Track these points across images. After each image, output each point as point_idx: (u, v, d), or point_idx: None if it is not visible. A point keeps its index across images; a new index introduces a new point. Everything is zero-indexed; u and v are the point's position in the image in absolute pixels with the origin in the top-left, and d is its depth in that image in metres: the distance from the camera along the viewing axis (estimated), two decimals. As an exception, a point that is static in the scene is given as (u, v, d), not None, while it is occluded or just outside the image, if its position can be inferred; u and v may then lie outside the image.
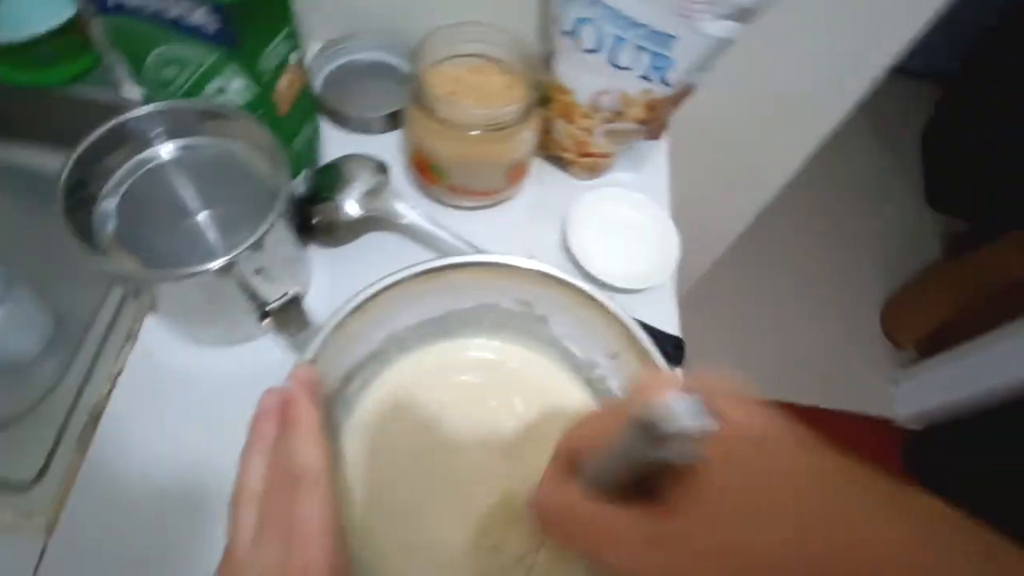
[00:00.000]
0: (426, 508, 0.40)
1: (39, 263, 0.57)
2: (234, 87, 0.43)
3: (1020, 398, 1.23)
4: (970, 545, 0.20)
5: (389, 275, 0.39)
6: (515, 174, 0.56)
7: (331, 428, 0.40)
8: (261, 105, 0.44)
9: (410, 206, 0.52)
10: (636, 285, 0.54)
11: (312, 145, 0.55)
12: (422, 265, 0.40)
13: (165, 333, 0.49)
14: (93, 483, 0.44)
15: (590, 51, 0.49)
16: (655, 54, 0.47)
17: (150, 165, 0.44)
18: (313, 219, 0.51)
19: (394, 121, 0.61)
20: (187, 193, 0.48)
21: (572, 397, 0.45)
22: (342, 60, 0.65)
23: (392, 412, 0.43)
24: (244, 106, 0.45)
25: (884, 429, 1.52)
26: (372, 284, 0.39)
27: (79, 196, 0.41)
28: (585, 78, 0.52)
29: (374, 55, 0.66)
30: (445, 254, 0.49)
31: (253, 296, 0.43)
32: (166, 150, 0.45)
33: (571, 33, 0.50)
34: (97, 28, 0.42)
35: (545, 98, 0.55)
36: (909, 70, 0.67)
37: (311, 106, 0.53)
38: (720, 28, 0.44)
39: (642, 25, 0.46)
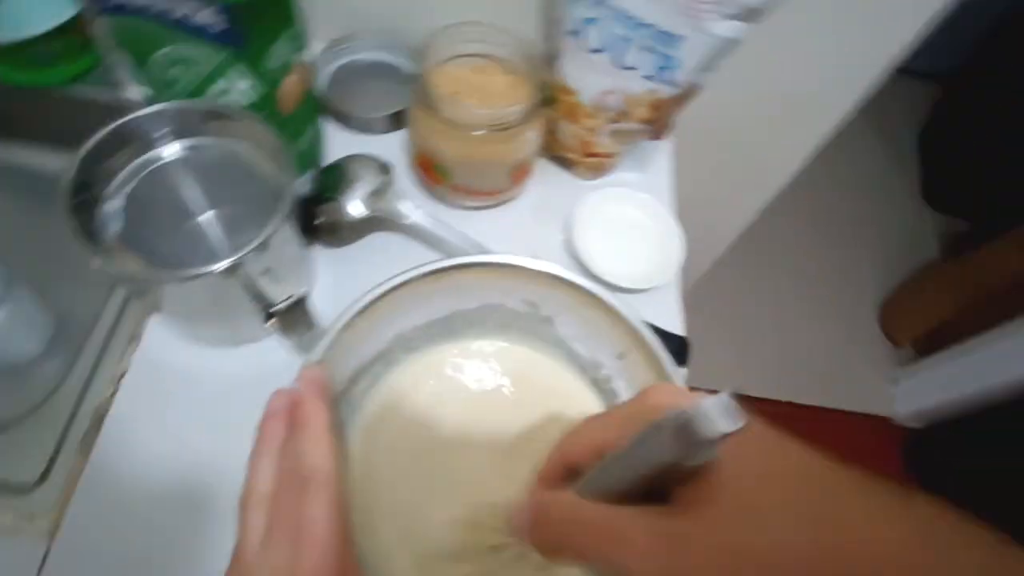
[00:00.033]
0: (428, 508, 0.40)
1: (40, 263, 0.56)
2: (239, 87, 0.43)
3: (1019, 396, 1.23)
4: (971, 546, 0.20)
5: (396, 275, 0.39)
6: (519, 174, 0.56)
7: (338, 429, 0.40)
8: (266, 105, 0.44)
9: (414, 206, 0.52)
10: (640, 285, 0.53)
11: (315, 145, 0.55)
12: (429, 265, 0.40)
13: (169, 334, 0.49)
14: (96, 486, 0.43)
15: (595, 51, 0.49)
16: (661, 54, 0.47)
17: (154, 166, 0.44)
18: (317, 219, 0.51)
19: (397, 121, 0.61)
20: (191, 194, 0.48)
21: (577, 398, 0.44)
22: (344, 60, 0.65)
23: (396, 412, 0.43)
24: (249, 106, 0.44)
25: (883, 427, 1.52)
26: (380, 284, 0.39)
27: (83, 197, 0.40)
28: (590, 78, 0.52)
29: (376, 55, 0.66)
30: (449, 254, 0.49)
31: (258, 297, 0.42)
32: (170, 151, 0.44)
33: (576, 33, 0.50)
34: (101, 28, 0.42)
35: (549, 98, 0.55)
36: (908, 69, 0.67)
37: (315, 106, 0.52)
38: (727, 28, 0.44)
39: (648, 25, 0.45)
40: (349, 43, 0.65)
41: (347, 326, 0.37)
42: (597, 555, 0.23)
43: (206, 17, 0.38)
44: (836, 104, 0.70)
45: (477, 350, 0.46)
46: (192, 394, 0.47)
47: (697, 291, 1.07)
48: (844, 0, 0.59)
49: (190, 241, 0.50)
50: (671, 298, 0.56)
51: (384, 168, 0.53)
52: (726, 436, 0.19)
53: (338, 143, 0.59)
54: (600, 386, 0.44)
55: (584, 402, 0.44)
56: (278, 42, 0.43)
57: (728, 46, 0.46)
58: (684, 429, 0.19)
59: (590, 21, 0.48)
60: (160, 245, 0.44)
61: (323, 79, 0.63)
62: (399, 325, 0.42)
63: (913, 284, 1.65)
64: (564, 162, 0.61)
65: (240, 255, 0.38)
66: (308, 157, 0.54)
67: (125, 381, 0.47)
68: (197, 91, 0.45)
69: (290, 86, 0.46)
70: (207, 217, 0.50)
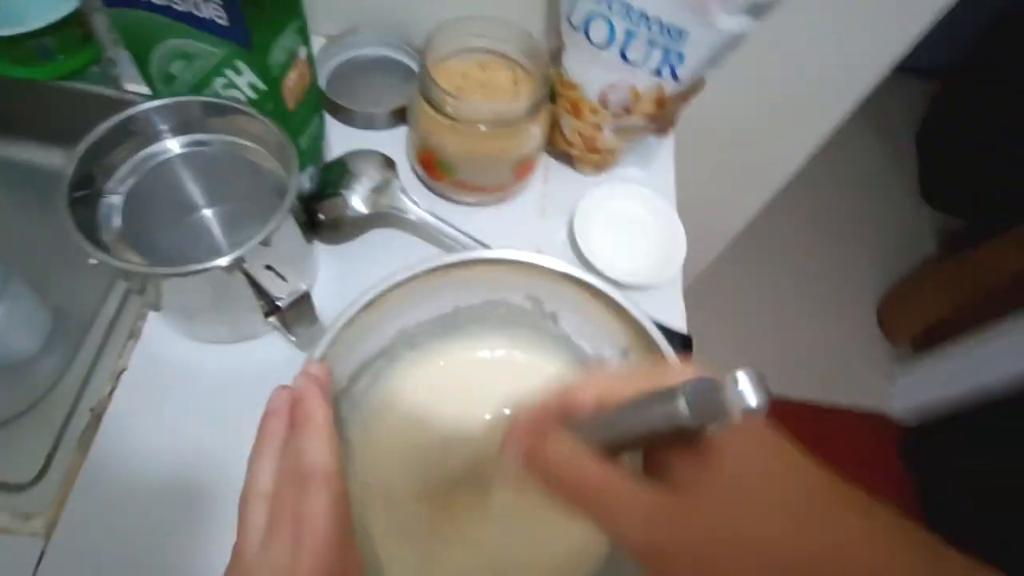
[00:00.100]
0: (432, 506, 0.40)
1: (38, 260, 0.56)
2: (242, 82, 0.43)
3: (1015, 393, 1.24)
4: (921, 549, 0.21)
5: (398, 272, 0.39)
6: (522, 170, 0.56)
7: (340, 426, 0.39)
8: (270, 100, 0.44)
9: (417, 202, 0.52)
10: (643, 281, 0.53)
11: (318, 141, 0.54)
12: (431, 262, 0.39)
13: (169, 330, 0.48)
14: (94, 483, 0.43)
15: (600, 46, 0.49)
16: (666, 49, 0.47)
17: (156, 161, 0.44)
18: (319, 215, 0.51)
19: (399, 117, 0.60)
20: (193, 189, 0.48)
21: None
22: (346, 55, 0.65)
23: (398, 410, 0.42)
24: (252, 101, 0.44)
25: (881, 424, 1.52)
26: (382, 281, 0.38)
27: (84, 192, 0.40)
28: (594, 73, 0.52)
29: (379, 50, 0.65)
30: (452, 251, 0.49)
31: (261, 293, 0.42)
32: (172, 145, 0.44)
33: (581, 28, 0.49)
34: (103, 21, 0.41)
35: (553, 93, 0.55)
36: (907, 66, 0.67)
37: (318, 101, 0.52)
38: (734, 23, 0.44)
39: (654, 19, 0.45)
40: (352, 38, 0.64)
41: (349, 323, 0.37)
42: (592, 513, 0.24)
43: (209, 11, 0.38)
44: (836, 103, 0.70)
45: (480, 346, 0.45)
46: (192, 391, 0.47)
47: (697, 288, 1.07)
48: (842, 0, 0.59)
49: (192, 237, 0.49)
50: (674, 295, 0.56)
51: (387, 164, 0.53)
52: (750, 411, 0.19)
53: (340, 139, 0.58)
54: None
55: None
56: (281, 37, 0.42)
57: (734, 42, 0.46)
58: (709, 394, 0.20)
59: (595, 15, 0.48)
60: (161, 241, 0.44)
61: (325, 74, 0.63)
62: (401, 321, 0.42)
63: (911, 282, 1.65)
64: (567, 158, 0.61)
65: (242, 251, 0.38)
66: (310, 153, 0.53)
67: (124, 378, 0.47)
68: (199, 86, 0.44)
69: (293, 81, 0.46)
70: (209, 213, 0.50)
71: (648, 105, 0.52)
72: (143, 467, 0.44)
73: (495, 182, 0.56)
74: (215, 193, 0.49)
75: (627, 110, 0.53)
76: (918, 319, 1.59)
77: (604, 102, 0.53)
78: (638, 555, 0.23)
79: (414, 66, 0.65)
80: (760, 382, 0.19)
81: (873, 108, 0.89)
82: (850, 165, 1.93)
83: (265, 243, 0.39)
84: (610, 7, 0.46)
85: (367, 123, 0.61)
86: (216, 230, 0.50)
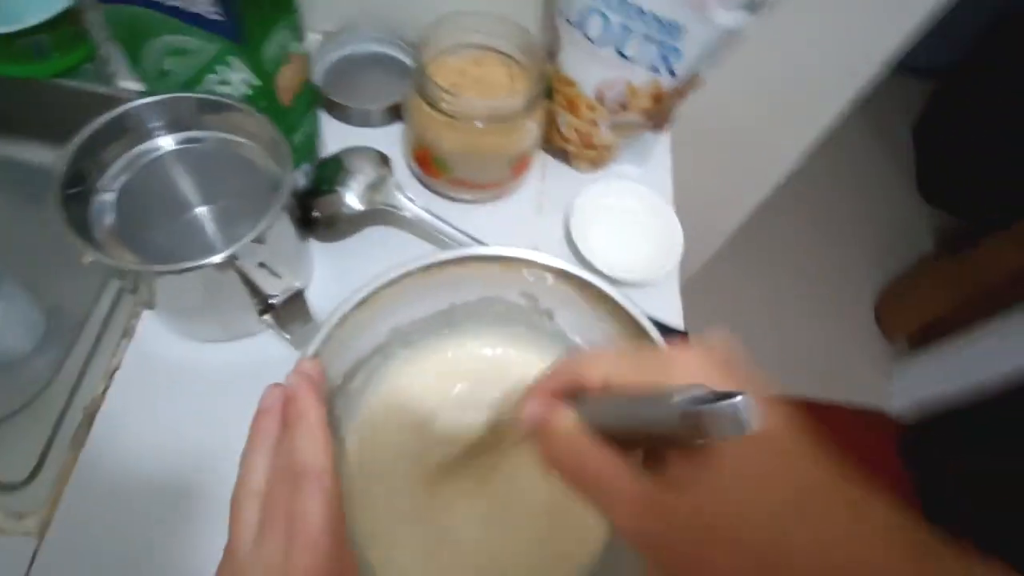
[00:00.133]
0: (427, 504, 0.39)
1: (31, 259, 0.56)
2: (236, 78, 0.42)
3: (1013, 390, 1.24)
4: (912, 549, 0.21)
5: (393, 268, 0.38)
6: (519, 167, 0.56)
7: (334, 424, 0.39)
8: (263, 97, 0.43)
9: (412, 199, 0.51)
10: (639, 278, 0.53)
11: (313, 138, 0.54)
12: (427, 259, 0.39)
13: (163, 329, 0.48)
14: (88, 483, 0.43)
15: (596, 41, 0.49)
16: (663, 44, 0.46)
17: (149, 157, 0.43)
18: (314, 212, 0.51)
19: (394, 114, 0.60)
20: (186, 186, 0.48)
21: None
22: (342, 52, 0.64)
23: (393, 408, 0.42)
24: (246, 98, 0.44)
25: (879, 421, 1.52)
26: (376, 278, 0.38)
27: (76, 189, 0.40)
28: (590, 69, 0.51)
29: (374, 46, 0.65)
30: (448, 248, 0.48)
31: (254, 290, 0.42)
32: (165, 142, 0.44)
33: (577, 23, 0.49)
34: (95, 17, 0.41)
35: (549, 90, 0.54)
36: (904, 65, 0.67)
37: (312, 98, 0.52)
38: (730, 18, 0.43)
39: (650, 14, 0.45)
40: (347, 34, 0.64)
41: (343, 320, 0.37)
42: (590, 496, 0.24)
43: (203, 6, 0.38)
44: (833, 100, 0.70)
45: (475, 343, 0.45)
46: (185, 389, 0.46)
47: (694, 285, 1.07)
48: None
49: (185, 234, 0.49)
50: (670, 292, 0.56)
51: (382, 161, 0.53)
52: (740, 435, 0.19)
53: (335, 136, 0.58)
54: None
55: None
56: (275, 32, 0.42)
57: (730, 37, 0.46)
58: (695, 418, 0.20)
59: (591, 11, 0.47)
60: (154, 238, 0.43)
61: (320, 71, 0.62)
62: (396, 319, 0.42)
63: (909, 279, 1.66)
64: (564, 155, 0.61)
65: (235, 248, 0.38)
66: (305, 150, 0.53)
67: (118, 376, 0.46)
68: (192, 82, 0.44)
69: (287, 77, 0.45)
70: (202, 210, 0.50)
71: (645, 101, 0.52)
72: (137, 466, 0.44)
73: (491, 179, 0.56)
74: (209, 190, 0.49)
75: (623, 106, 0.53)
76: (916, 316, 1.59)
77: (600, 98, 0.53)
78: (632, 543, 0.24)
79: (410, 63, 0.64)
80: (754, 409, 0.19)
81: (871, 107, 0.89)
82: (848, 163, 1.93)
83: (259, 240, 0.39)
84: (606, 2, 0.46)
85: (363, 120, 0.60)
86: (210, 227, 0.50)
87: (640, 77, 0.50)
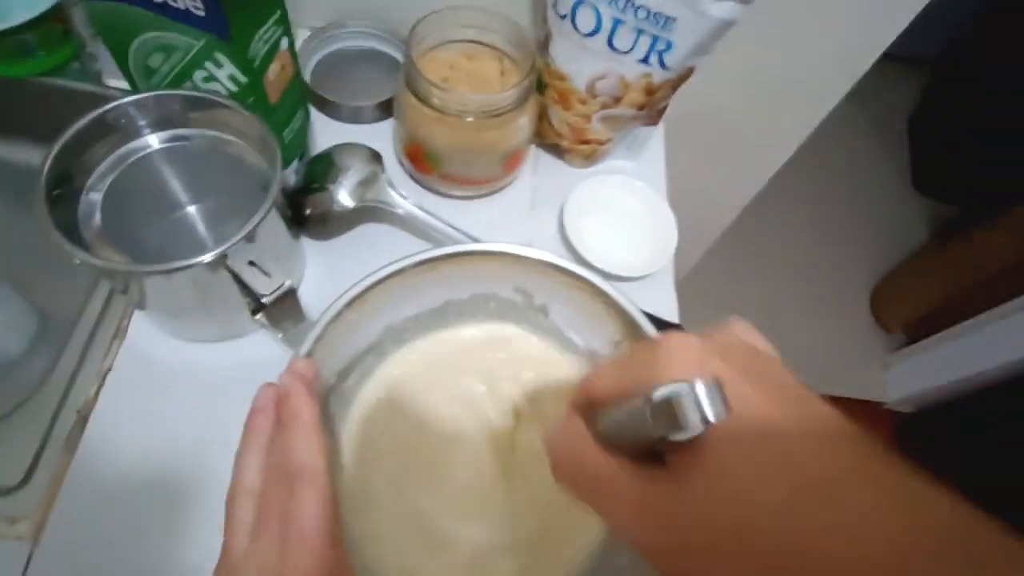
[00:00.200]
0: (423, 503, 0.39)
1: (22, 260, 0.55)
2: (223, 75, 0.42)
3: (1007, 380, 1.25)
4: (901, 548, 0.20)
5: (386, 266, 0.38)
6: (511, 162, 0.55)
7: (328, 424, 0.39)
8: (251, 93, 0.43)
9: (404, 196, 0.51)
10: (634, 272, 0.53)
11: (303, 135, 0.53)
12: (419, 255, 0.39)
13: (154, 330, 0.48)
14: (81, 486, 0.42)
15: (587, 34, 0.48)
16: (655, 37, 0.46)
17: (136, 156, 0.43)
18: (306, 210, 0.50)
19: (385, 110, 0.60)
20: (175, 185, 0.47)
21: (572, 387, 0.44)
22: (332, 48, 0.64)
23: (388, 406, 0.42)
24: (233, 95, 0.43)
25: (875, 412, 1.53)
26: (369, 275, 0.38)
27: (63, 189, 0.39)
28: (582, 63, 0.51)
29: (364, 42, 0.65)
30: (440, 245, 0.48)
31: (246, 290, 0.41)
32: (153, 141, 0.43)
33: (567, 16, 0.49)
34: (81, 15, 0.41)
35: (540, 84, 0.54)
36: (897, 55, 0.67)
37: (302, 94, 0.51)
38: (723, 9, 0.43)
39: (641, 6, 0.45)
40: (336, 30, 0.63)
41: (336, 318, 0.36)
42: (588, 499, 0.24)
43: (188, 1, 0.37)
44: (826, 91, 0.70)
45: (470, 340, 0.45)
46: (178, 390, 0.46)
47: (689, 279, 1.07)
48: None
49: (175, 233, 0.49)
50: (664, 285, 0.55)
51: (373, 157, 0.52)
52: (710, 425, 0.19)
53: (326, 132, 0.58)
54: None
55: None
56: (263, 28, 0.42)
57: (723, 28, 0.45)
58: (667, 412, 0.19)
59: (581, 3, 0.47)
60: (144, 238, 0.43)
61: (310, 67, 0.62)
62: (390, 317, 0.41)
63: (904, 270, 1.66)
64: (557, 150, 0.60)
65: (226, 246, 0.37)
66: (295, 147, 0.52)
67: (110, 378, 0.46)
68: (179, 79, 0.43)
69: (276, 74, 0.45)
70: (192, 209, 0.49)
71: (637, 94, 0.52)
72: (130, 467, 0.43)
73: (483, 175, 0.55)
74: (198, 189, 0.48)
75: (616, 100, 0.52)
76: (911, 307, 1.59)
77: (592, 92, 0.53)
78: (631, 545, 0.23)
79: (400, 58, 0.64)
80: (718, 393, 0.19)
81: (865, 97, 0.88)
82: (842, 154, 1.93)
83: (249, 239, 0.38)
84: (597, -6, 0.46)
85: (353, 116, 0.60)
86: (199, 226, 0.49)
87: (632, 70, 0.49)
